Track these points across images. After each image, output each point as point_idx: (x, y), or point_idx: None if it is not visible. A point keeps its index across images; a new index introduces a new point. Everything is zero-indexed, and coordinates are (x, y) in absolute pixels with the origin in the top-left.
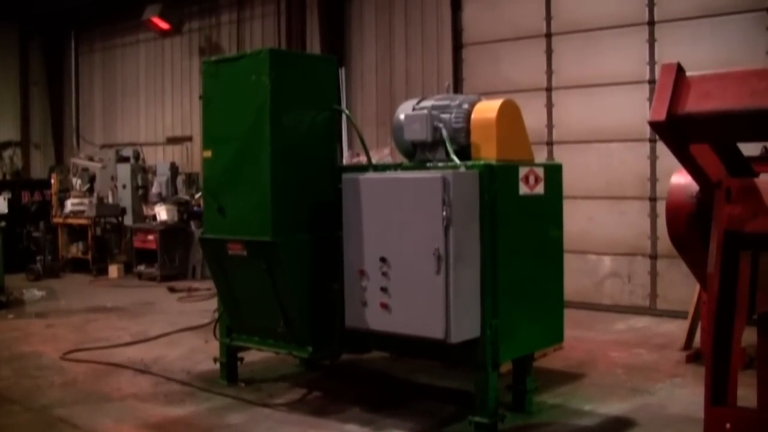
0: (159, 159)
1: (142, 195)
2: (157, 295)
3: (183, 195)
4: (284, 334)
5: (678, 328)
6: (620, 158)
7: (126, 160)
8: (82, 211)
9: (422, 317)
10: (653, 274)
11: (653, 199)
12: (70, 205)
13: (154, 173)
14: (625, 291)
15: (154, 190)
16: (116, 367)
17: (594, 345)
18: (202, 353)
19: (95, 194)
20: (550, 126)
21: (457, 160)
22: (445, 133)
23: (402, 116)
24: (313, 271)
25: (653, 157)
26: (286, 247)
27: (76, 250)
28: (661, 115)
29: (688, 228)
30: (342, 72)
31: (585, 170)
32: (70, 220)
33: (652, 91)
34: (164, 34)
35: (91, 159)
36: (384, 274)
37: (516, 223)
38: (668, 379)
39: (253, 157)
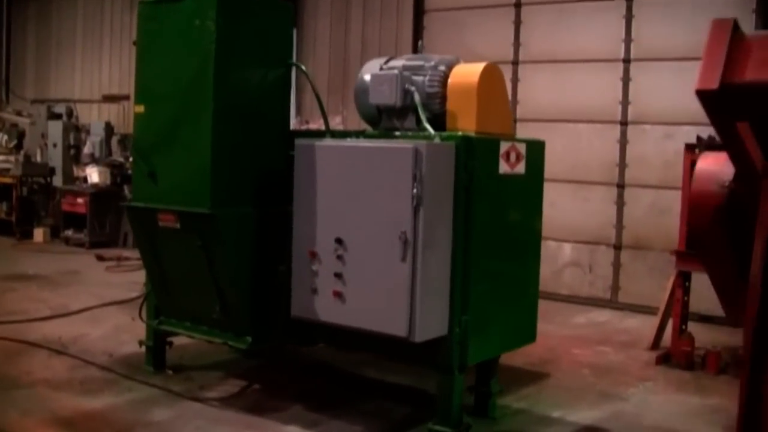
0: (94, 118)
1: (73, 155)
2: (83, 263)
3: (117, 157)
4: (220, 320)
5: (642, 325)
6: (588, 141)
7: (58, 117)
8: (8, 170)
9: (382, 310)
10: (616, 265)
11: (621, 186)
12: None
13: (88, 132)
14: (586, 281)
15: (87, 150)
16: (29, 345)
17: (555, 340)
18: (128, 333)
19: (22, 152)
20: (514, 102)
21: (431, 130)
22: (417, 97)
23: (367, 77)
24: (257, 250)
25: (623, 142)
26: (226, 222)
27: None
28: (713, 83)
29: (712, 222)
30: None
31: (549, 151)
32: None
33: (626, 71)
34: None
35: (19, 114)
36: (339, 257)
37: (493, 206)
38: (639, 383)
39: (193, 116)
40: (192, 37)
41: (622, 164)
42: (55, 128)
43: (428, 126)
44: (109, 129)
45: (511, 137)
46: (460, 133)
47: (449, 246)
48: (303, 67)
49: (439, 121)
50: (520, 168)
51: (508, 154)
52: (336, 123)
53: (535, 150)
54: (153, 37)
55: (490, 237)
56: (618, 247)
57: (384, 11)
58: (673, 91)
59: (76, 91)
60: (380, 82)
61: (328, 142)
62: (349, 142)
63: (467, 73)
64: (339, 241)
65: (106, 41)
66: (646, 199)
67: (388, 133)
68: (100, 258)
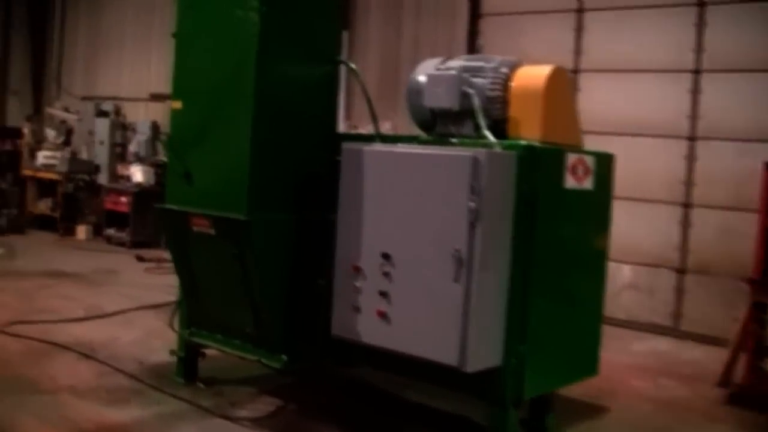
0: (140, 116)
1: (119, 153)
2: (123, 263)
3: (162, 157)
4: (253, 336)
5: (706, 357)
6: (651, 156)
7: (106, 114)
8: (54, 165)
9: (431, 335)
10: (679, 290)
11: (687, 206)
12: (41, 157)
13: (134, 131)
14: (645, 306)
15: (132, 148)
16: (58, 347)
17: (612, 369)
18: (160, 339)
19: (68, 149)
20: None
21: (491, 137)
22: (476, 101)
23: (421, 77)
24: (295, 261)
25: (690, 158)
26: (263, 229)
27: (44, 206)
28: None
29: None
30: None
31: None
32: (40, 174)
33: (695, 82)
34: None
35: (67, 110)
36: (385, 274)
37: (557, 224)
38: (708, 424)
39: (232, 114)
40: (233, 28)
41: (689, 182)
42: (102, 126)
43: (488, 133)
44: (155, 128)
45: (579, 149)
46: (523, 142)
47: (507, 267)
48: (352, 65)
49: (499, 128)
50: (588, 183)
51: (574, 167)
52: (385, 129)
53: (604, 164)
54: (191, 28)
55: (553, 258)
56: (682, 271)
57: (438, 14)
58: (749, 104)
59: (124, 89)
60: (437, 83)
61: (378, 146)
62: (401, 147)
63: (532, 75)
64: (386, 256)
65: (155, 39)
66: (714, 221)
67: (443, 140)
68: (140, 258)
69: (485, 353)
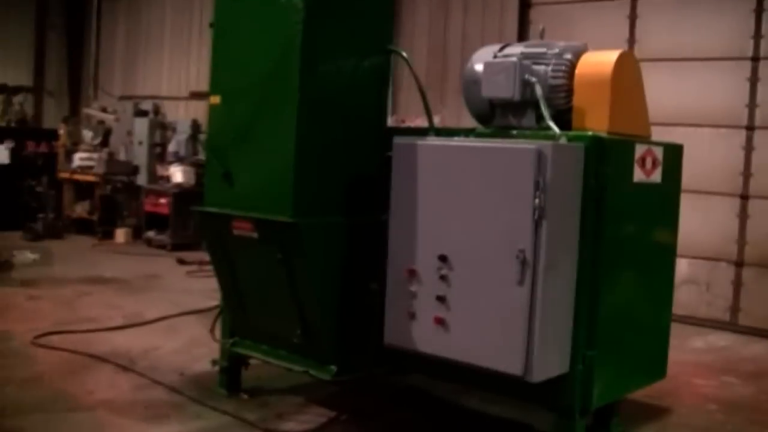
0: (180, 115)
1: (159, 153)
2: (164, 267)
3: (203, 156)
4: (301, 345)
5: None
6: (709, 146)
7: (144, 114)
8: (91, 167)
9: (493, 343)
10: (737, 284)
11: (745, 197)
12: (78, 159)
13: (174, 130)
14: (703, 301)
15: (171, 148)
16: (96, 359)
17: (674, 367)
18: (203, 347)
19: (106, 149)
20: None
21: (555, 128)
22: (539, 90)
23: (478, 66)
24: (345, 265)
25: (749, 148)
26: (311, 232)
27: (81, 209)
28: None
29: None
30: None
31: None
32: (77, 176)
33: (754, 71)
34: None
35: (104, 110)
36: (443, 278)
37: (626, 221)
38: None
39: (275, 110)
40: (276, 17)
41: (747, 173)
42: (141, 125)
43: (552, 124)
44: (195, 127)
45: (647, 139)
46: (589, 133)
47: (574, 267)
48: (404, 54)
49: (563, 118)
50: (656, 176)
51: (643, 160)
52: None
53: (673, 155)
54: (230, 17)
55: (621, 257)
56: (740, 264)
57: (487, 4)
58: None
59: (164, 87)
60: (495, 71)
61: (433, 141)
62: (458, 141)
63: (599, 62)
64: (443, 258)
65: (195, 36)
66: None
67: (503, 131)
68: (181, 262)
69: (552, 361)
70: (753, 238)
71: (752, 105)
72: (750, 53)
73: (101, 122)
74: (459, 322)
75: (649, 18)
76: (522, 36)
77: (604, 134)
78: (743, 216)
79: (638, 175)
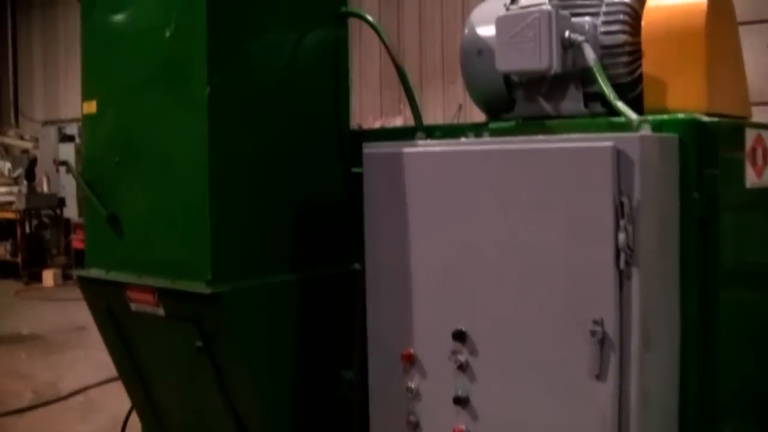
0: None
1: None
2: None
3: None
4: None
5: None
6: None
7: (70, 139)
8: (10, 203)
9: None
10: None
11: None
12: None
13: None
14: None
15: None
16: None
17: None
18: (132, 428)
19: (24, 183)
20: None
21: (631, 113)
22: (590, 54)
23: (485, 28)
24: (301, 347)
25: None
26: (243, 304)
27: (3, 250)
28: None
29: None
30: None
31: None
32: None
33: None
34: None
35: (21, 138)
36: (461, 368)
37: (742, 248)
38: None
39: (179, 119)
40: None
41: None
42: (67, 152)
43: (623, 105)
44: None
45: (753, 122)
46: (681, 116)
47: (677, 335)
48: (369, 17)
49: (624, 97)
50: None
51: (753, 152)
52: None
53: None
54: None
55: (743, 309)
56: None
57: None
58: None
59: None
60: (516, 31)
61: (427, 146)
62: (469, 144)
63: (682, 7)
64: (460, 336)
65: None
66: None
67: (535, 124)
68: None
69: None
70: None
71: None
72: None
73: (25, 151)
74: None
75: None
76: None
77: (703, 117)
78: None
79: (750, 176)
